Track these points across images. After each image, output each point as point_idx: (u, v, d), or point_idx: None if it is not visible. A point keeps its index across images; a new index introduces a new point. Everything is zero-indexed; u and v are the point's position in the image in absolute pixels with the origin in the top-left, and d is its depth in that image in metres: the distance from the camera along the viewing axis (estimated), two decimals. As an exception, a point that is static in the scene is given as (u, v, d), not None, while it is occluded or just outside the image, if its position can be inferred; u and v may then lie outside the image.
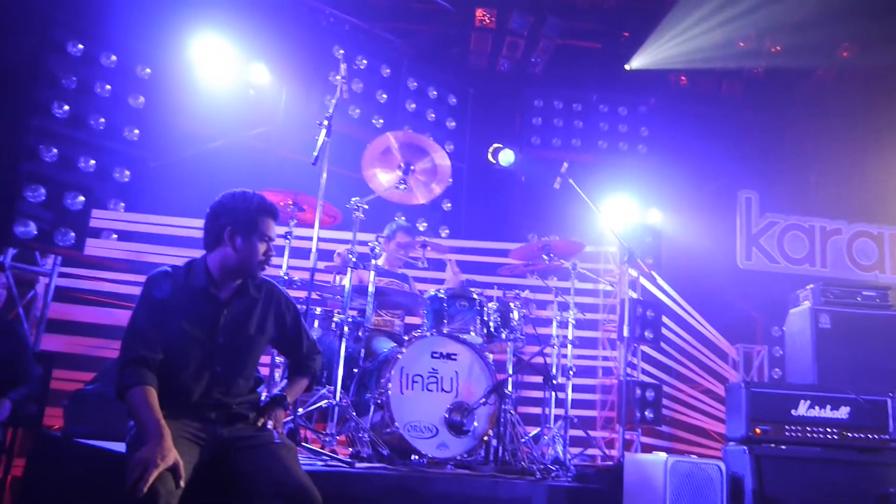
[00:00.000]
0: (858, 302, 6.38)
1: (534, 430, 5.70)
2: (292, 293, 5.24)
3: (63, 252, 5.75)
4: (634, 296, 7.58)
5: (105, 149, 6.44)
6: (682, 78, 10.28)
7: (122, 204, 6.61)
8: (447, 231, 8.48)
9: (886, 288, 6.55)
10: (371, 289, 4.88)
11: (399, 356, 4.66)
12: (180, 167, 7.18)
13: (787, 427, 4.76)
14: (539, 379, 5.98)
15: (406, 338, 5.14)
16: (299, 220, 5.20)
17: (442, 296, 5.12)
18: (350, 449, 4.65)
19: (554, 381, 5.66)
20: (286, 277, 4.95)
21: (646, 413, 7.34)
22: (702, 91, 10.25)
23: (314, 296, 4.95)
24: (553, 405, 5.80)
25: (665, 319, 8.03)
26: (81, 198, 5.79)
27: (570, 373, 5.90)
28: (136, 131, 6.61)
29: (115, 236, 6.61)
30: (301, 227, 5.28)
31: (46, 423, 5.19)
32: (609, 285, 7.77)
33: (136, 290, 6.31)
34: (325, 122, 4.62)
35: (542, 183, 7.77)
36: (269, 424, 3.00)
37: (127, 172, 6.57)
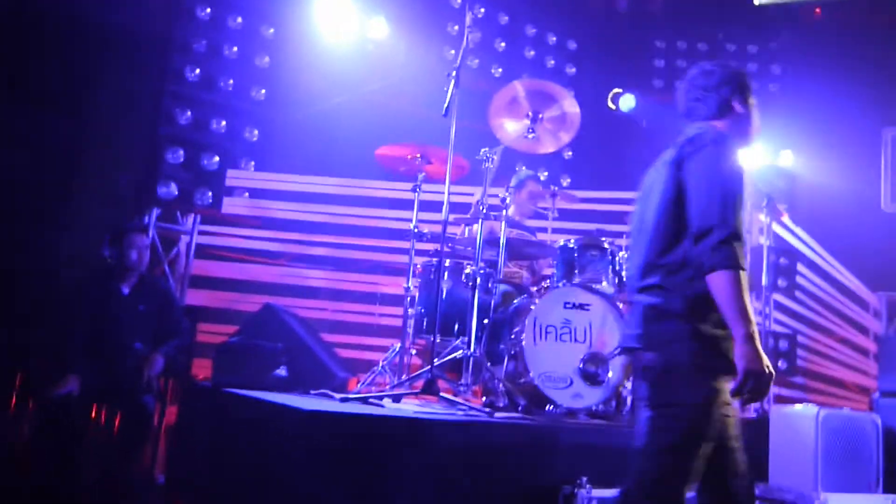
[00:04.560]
0: None
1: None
2: (423, 246, 5.33)
3: (202, 211, 6.01)
4: (767, 242, 7.27)
5: (235, 109, 6.58)
6: (817, 10, 9.59)
7: (253, 162, 6.79)
8: (569, 180, 8.33)
9: None
10: (503, 240, 4.86)
11: (532, 307, 4.63)
12: (304, 125, 7.29)
13: (948, 379, 4.49)
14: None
15: (534, 289, 5.11)
16: (427, 173, 5.22)
17: (572, 246, 5.02)
18: (484, 398, 4.69)
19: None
20: (416, 230, 5.00)
21: (779, 363, 7.10)
22: (840, 23, 9.49)
23: (445, 248, 4.97)
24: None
25: (800, 267, 7.68)
26: (216, 158, 6.02)
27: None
28: (263, 91, 6.73)
29: (246, 194, 6.83)
30: (427, 181, 5.30)
31: (194, 373, 5.49)
32: (740, 232, 7.48)
33: (268, 246, 6.68)
34: (454, 74, 4.57)
35: (666, 128, 7.49)
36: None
37: (256, 132, 6.72)
